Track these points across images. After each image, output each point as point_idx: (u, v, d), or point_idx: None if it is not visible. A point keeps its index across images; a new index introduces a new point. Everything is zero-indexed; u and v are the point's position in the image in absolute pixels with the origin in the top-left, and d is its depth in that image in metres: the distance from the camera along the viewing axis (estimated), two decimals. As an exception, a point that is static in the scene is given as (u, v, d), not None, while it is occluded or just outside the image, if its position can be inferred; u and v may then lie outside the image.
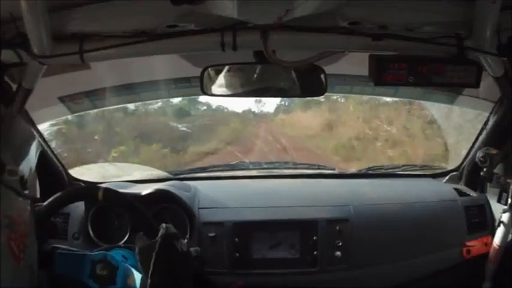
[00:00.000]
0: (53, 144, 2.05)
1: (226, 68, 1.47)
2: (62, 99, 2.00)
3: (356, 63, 1.79)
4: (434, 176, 2.18)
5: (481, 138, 1.90)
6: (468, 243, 1.81)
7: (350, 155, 5.98)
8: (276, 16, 1.09)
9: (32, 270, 1.02)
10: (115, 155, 4.84)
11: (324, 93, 1.51)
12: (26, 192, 1.01)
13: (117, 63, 1.67)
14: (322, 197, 1.90)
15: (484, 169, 1.70)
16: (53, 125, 2.42)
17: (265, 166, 2.42)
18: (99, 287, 1.17)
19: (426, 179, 2.18)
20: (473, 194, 1.93)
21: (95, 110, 2.37)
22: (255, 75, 1.45)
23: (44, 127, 2.00)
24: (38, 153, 1.15)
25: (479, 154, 1.71)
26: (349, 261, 1.75)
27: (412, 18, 1.21)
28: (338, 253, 1.74)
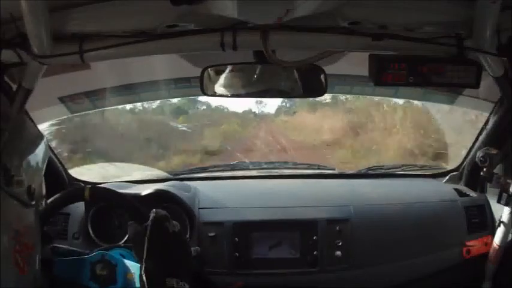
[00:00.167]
0: (53, 144, 2.06)
1: (226, 68, 1.47)
2: (62, 99, 2.01)
3: (356, 63, 1.79)
4: (434, 176, 2.18)
5: (481, 138, 1.90)
6: (468, 243, 1.82)
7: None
8: (276, 16, 1.09)
9: (35, 280, 1.01)
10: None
11: (324, 93, 1.51)
12: (33, 203, 0.99)
13: (117, 63, 1.67)
14: (322, 197, 1.90)
15: (484, 169, 1.70)
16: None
17: (265, 166, 2.42)
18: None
19: (426, 179, 2.18)
20: (473, 194, 1.93)
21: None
22: (255, 76, 1.45)
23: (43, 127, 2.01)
24: (46, 160, 1.12)
25: (479, 154, 1.72)
26: (349, 261, 1.75)
27: (412, 18, 1.21)
28: (338, 253, 1.74)
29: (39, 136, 1.14)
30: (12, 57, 1.21)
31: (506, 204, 1.69)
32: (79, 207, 1.75)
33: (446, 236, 1.83)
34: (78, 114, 2.22)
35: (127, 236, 1.71)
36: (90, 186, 1.25)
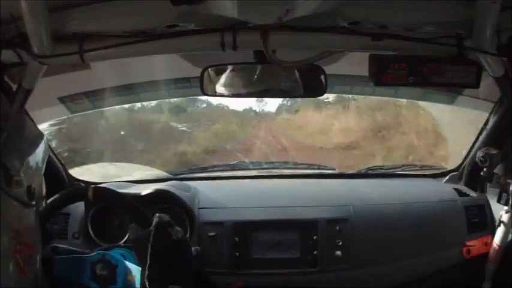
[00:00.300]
0: (53, 144, 2.06)
1: (226, 68, 1.47)
2: (62, 99, 2.01)
3: (356, 63, 1.79)
4: (434, 176, 2.18)
5: (481, 138, 1.90)
6: (468, 243, 1.82)
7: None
8: (276, 16, 1.09)
9: (35, 280, 1.01)
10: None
11: (324, 93, 1.51)
12: (33, 203, 1.00)
13: (117, 63, 1.67)
14: (322, 197, 1.90)
15: (484, 169, 1.71)
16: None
17: (265, 166, 2.43)
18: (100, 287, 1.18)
19: (426, 179, 2.18)
20: (473, 194, 1.93)
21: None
22: (255, 76, 1.45)
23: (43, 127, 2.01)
24: (46, 160, 1.12)
25: (479, 154, 1.72)
26: (349, 261, 1.75)
27: (412, 18, 1.21)
28: (338, 253, 1.74)
29: (39, 136, 1.14)
30: (12, 57, 1.21)
31: (506, 204, 1.69)
32: (79, 207, 1.75)
33: (446, 236, 1.83)
34: (78, 114, 2.23)
35: (127, 236, 1.71)
36: (93, 186, 1.25)
